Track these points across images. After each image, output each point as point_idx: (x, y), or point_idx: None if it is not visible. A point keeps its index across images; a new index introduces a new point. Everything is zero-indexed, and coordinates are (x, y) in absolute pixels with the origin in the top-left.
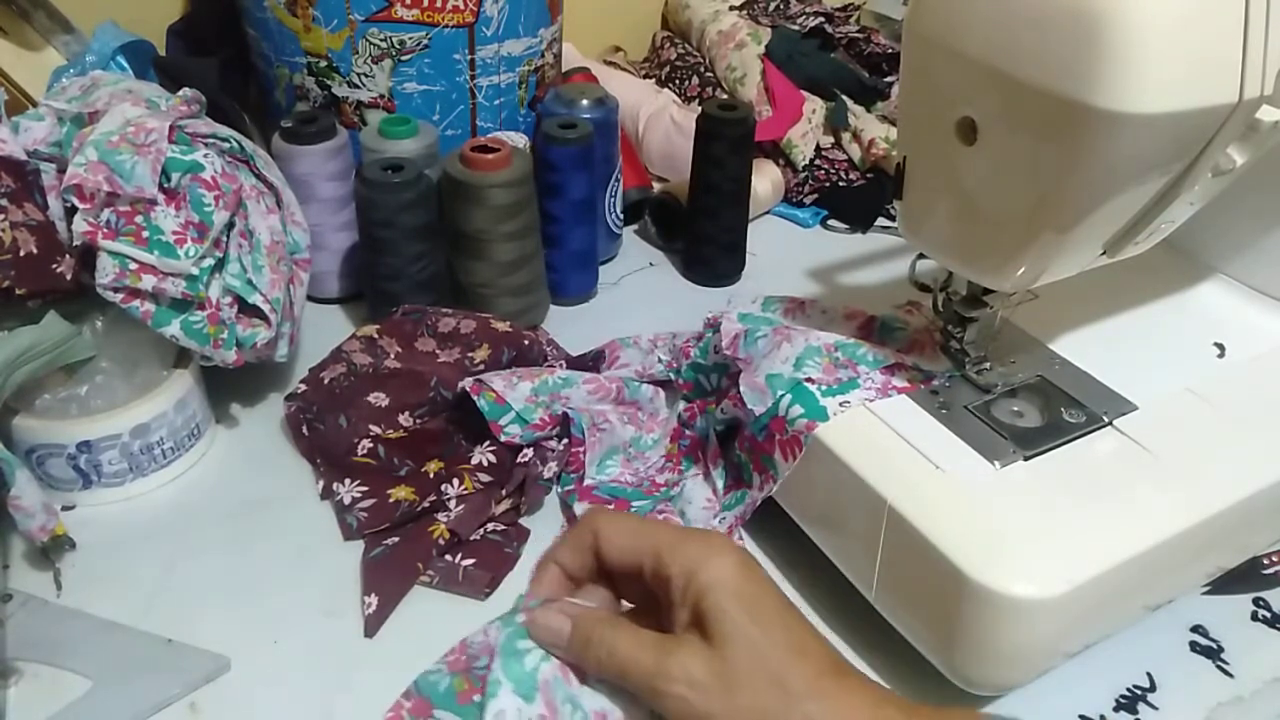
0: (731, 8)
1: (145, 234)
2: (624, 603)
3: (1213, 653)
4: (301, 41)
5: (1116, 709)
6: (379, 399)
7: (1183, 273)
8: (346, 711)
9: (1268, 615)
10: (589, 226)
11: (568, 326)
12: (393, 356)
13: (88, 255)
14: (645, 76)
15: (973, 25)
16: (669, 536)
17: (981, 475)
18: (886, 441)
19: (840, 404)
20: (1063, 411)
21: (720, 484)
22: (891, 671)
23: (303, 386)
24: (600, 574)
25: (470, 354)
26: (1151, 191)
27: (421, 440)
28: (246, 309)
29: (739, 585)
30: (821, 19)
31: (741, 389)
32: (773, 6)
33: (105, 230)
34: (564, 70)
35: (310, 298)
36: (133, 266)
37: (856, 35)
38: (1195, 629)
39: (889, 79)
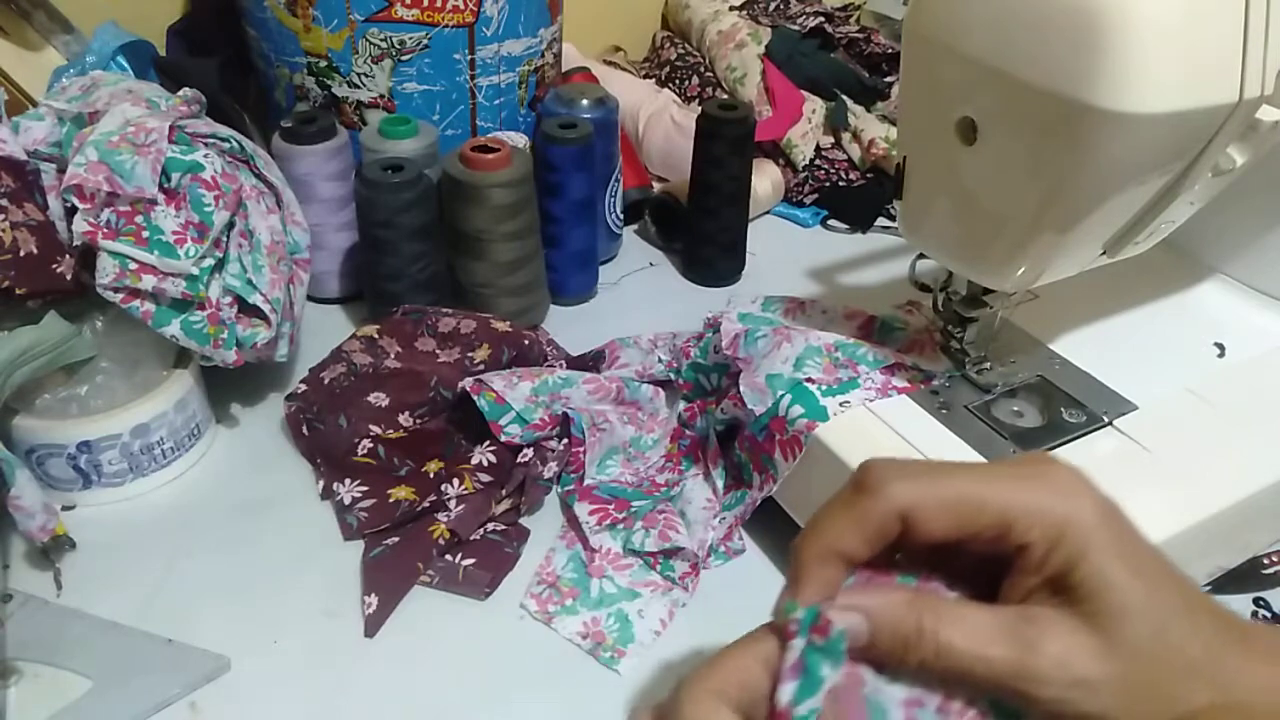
0: (731, 8)
1: (145, 234)
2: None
3: None
4: (301, 41)
5: None
6: (379, 399)
7: (1183, 273)
8: (346, 711)
9: (1268, 615)
10: (589, 226)
11: (568, 326)
12: (393, 356)
13: (88, 255)
14: (645, 76)
15: (973, 25)
16: (1009, 493)
17: None
18: (887, 441)
19: (840, 404)
20: (1063, 411)
21: (720, 484)
22: None
23: (303, 386)
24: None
25: (470, 354)
26: (1151, 191)
27: (421, 440)
28: (246, 309)
29: (1114, 539)
30: (821, 19)
31: (741, 389)
32: (773, 6)
33: (105, 230)
34: (564, 70)
35: (310, 298)
36: (133, 266)
37: (856, 35)
38: None
39: (889, 79)
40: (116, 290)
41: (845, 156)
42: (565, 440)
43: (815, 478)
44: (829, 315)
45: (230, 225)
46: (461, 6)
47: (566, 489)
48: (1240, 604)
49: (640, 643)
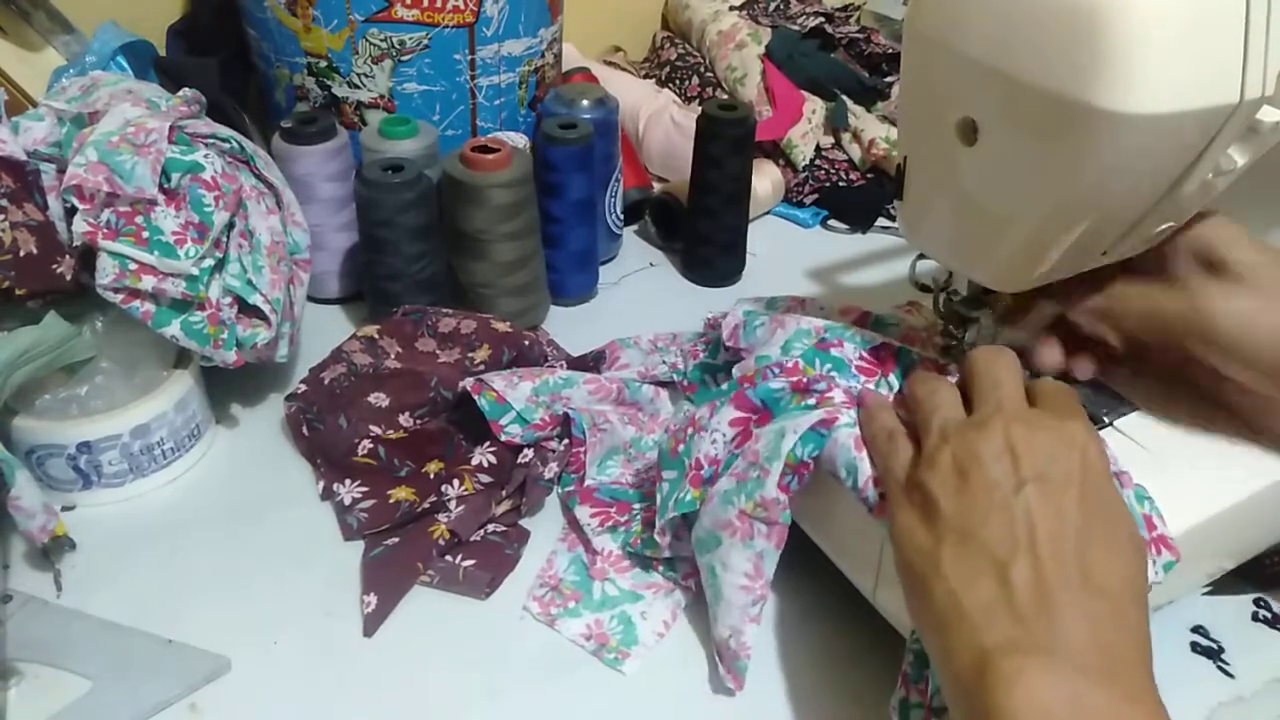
0: (731, 8)
1: (145, 234)
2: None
3: (1213, 653)
4: (301, 41)
5: None
6: (379, 399)
7: None
8: (346, 711)
9: (1268, 615)
10: (589, 226)
11: (568, 326)
12: (393, 356)
13: (88, 255)
14: (645, 76)
15: (973, 25)
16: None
17: None
18: None
19: None
20: None
21: None
22: (891, 671)
23: (303, 387)
24: None
25: (470, 354)
26: (1152, 192)
27: (422, 440)
28: (246, 309)
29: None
30: (821, 19)
31: (734, 374)
32: (773, 6)
33: (105, 230)
34: (564, 70)
35: (310, 298)
36: (133, 267)
37: (856, 35)
38: (1195, 629)
39: (889, 79)
40: (116, 290)
41: (845, 156)
42: (566, 441)
43: (814, 476)
44: (827, 313)
45: (230, 225)
46: (461, 6)
47: (567, 490)
48: (1240, 604)
49: (643, 644)
